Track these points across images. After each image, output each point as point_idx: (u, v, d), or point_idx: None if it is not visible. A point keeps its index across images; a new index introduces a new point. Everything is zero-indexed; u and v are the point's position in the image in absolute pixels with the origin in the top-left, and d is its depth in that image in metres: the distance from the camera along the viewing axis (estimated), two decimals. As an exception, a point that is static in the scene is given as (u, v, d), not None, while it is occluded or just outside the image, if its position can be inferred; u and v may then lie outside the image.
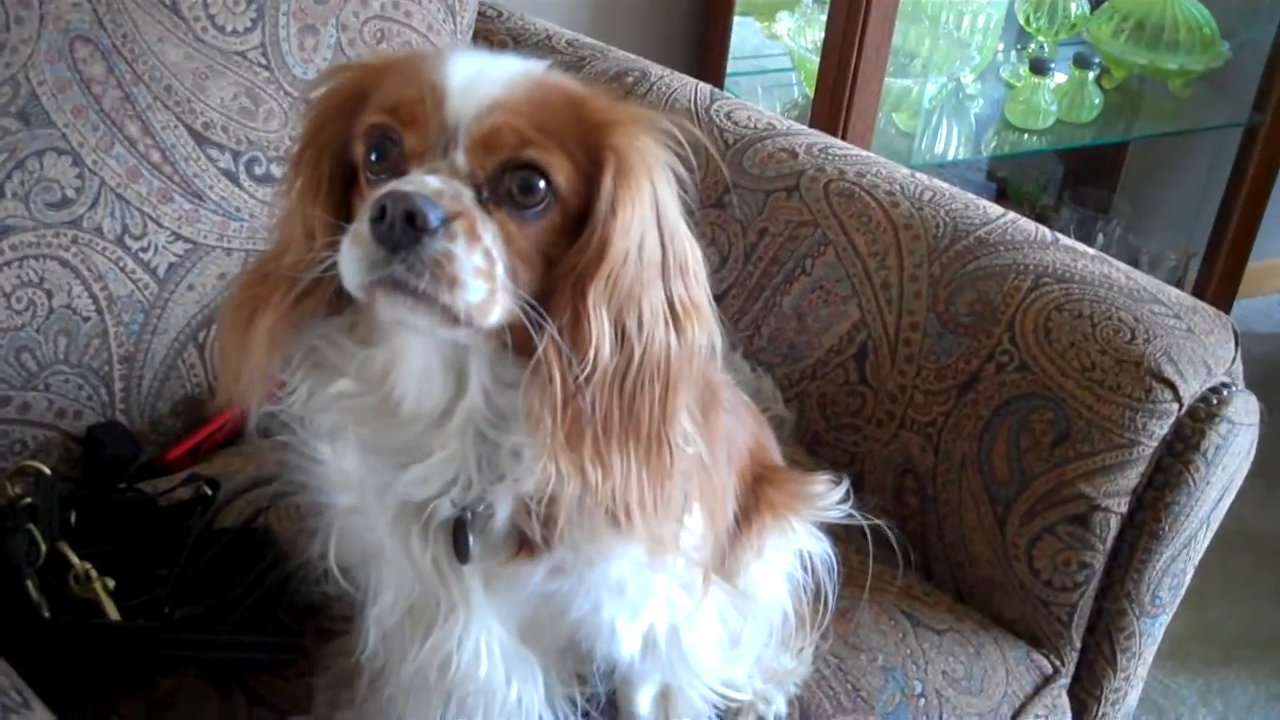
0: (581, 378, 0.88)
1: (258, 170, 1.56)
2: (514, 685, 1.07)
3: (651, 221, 0.91)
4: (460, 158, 0.88)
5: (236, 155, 1.55)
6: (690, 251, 0.94)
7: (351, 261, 0.86)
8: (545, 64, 0.96)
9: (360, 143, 0.92)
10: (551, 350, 0.88)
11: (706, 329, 0.94)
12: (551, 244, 0.90)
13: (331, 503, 1.07)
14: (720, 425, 1.11)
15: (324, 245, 0.90)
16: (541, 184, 0.88)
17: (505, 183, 0.88)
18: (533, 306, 0.88)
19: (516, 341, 0.90)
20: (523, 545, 0.99)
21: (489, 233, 0.86)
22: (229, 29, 1.54)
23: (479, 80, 0.89)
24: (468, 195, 0.87)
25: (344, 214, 0.93)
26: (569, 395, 0.88)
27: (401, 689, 1.09)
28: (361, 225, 0.85)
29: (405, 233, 0.83)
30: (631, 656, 1.11)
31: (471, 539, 0.98)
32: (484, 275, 0.85)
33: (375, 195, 0.85)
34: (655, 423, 0.91)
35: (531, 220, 0.89)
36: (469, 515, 0.98)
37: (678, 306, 0.92)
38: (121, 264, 1.47)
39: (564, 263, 0.90)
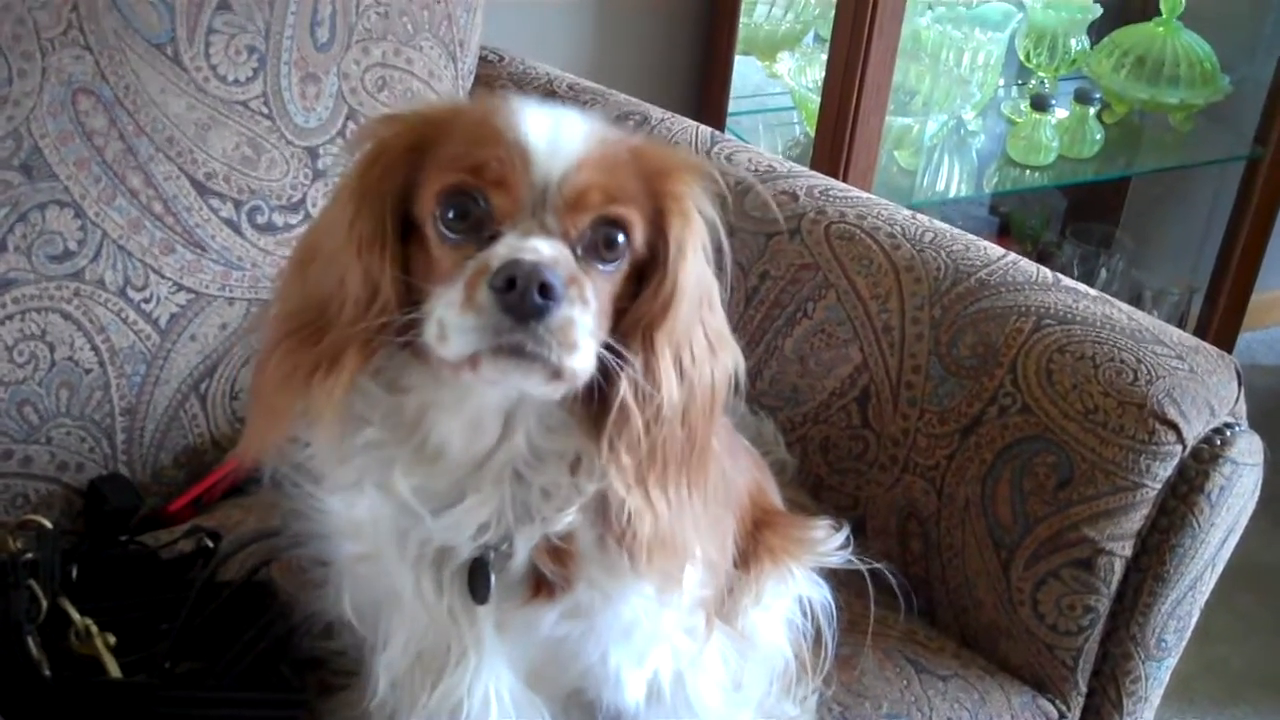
0: (652, 415, 0.91)
1: (260, 219, 1.56)
2: None
3: (704, 263, 0.95)
4: (551, 219, 0.89)
5: (238, 205, 1.55)
6: (713, 284, 0.98)
7: (463, 331, 0.85)
8: (598, 115, 0.98)
9: (433, 200, 0.91)
10: (631, 392, 0.91)
11: (733, 355, 0.99)
12: (623, 293, 0.93)
13: (339, 552, 1.07)
14: (718, 467, 1.11)
15: (397, 304, 0.90)
16: (621, 238, 0.91)
17: (593, 239, 0.90)
18: (615, 353, 0.90)
19: (587, 389, 0.91)
20: (540, 587, 1.00)
21: (591, 292, 0.88)
22: (230, 79, 1.55)
23: (561, 138, 0.91)
24: (568, 256, 0.88)
25: (402, 267, 0.92)
26: (645, 433, 0.92)
27: None
28: (480, 293, 0.84)
29: (535, 303, 0.84)
30: (637, 704, 1.11)
31: (492, 579, 0.99)
32: (592, 334, 0.88)
33: (498, 264, 0.85)
34: (703, 451, 0.96)
35: (610, 274, 0.91)
36: (490, 555, 0.98)
37: (712, 336, 0.96)
38: (123, 315, 1.47)
39: (634, 309, 0.93)
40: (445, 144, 0.93)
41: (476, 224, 0.89)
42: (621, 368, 0.90)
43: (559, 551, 0.97)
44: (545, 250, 0.86)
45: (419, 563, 0.99)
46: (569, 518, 0.94)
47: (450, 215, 0.90)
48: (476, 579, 0.99)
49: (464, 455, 0.95)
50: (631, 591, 1.01)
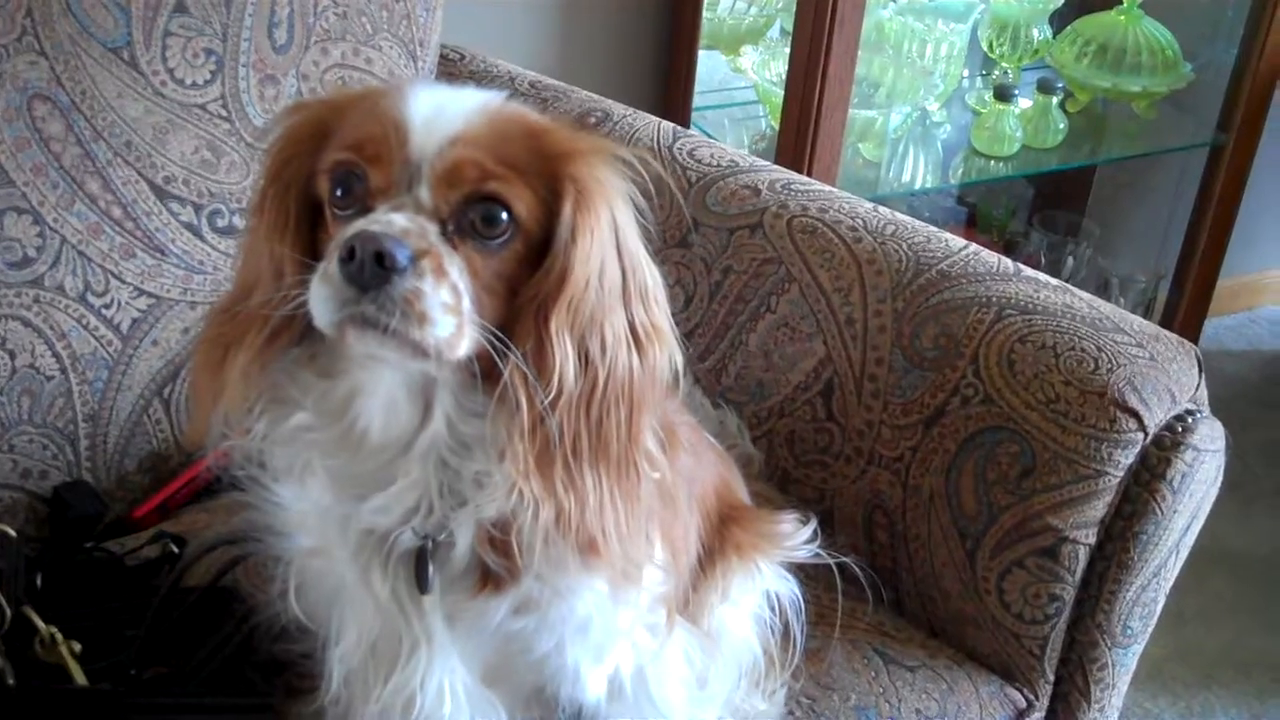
0: (547, 403, 0.90)
1: (220, 223, 1.56)
2: None
3: (611, 248, 0.93)
4: (424, 193, 0.89)
5: (198, 208, 1.54)
6: (650, 276, 0.96)
7: (321, 300, 0.87)
8: (503, 95, 0.98)
9: (325, 180, 0.93)
10: (517, 377, 0.90)
11: (668, 350, 0.96)
12: (514, 274, 0.92)
13: (293, 547, 1.07)
14: (680, 465, 1.11)
15: (294, 283, 0.91)
16: (504, 216, 0.90)
17: (468, 216, 0.90)
18: (497, 337, 0.89)
19: (483, 370, 0.91)
20: (487, 580, 1.00)
21: (455, 267, 0.88)
22: (188, 82, 1.54)
23: (440, 115, 0.91)
24: (433, 231, 0.88)
25: (311, 251, 0.94)
26: (536, 421, 0.90)
27: None
28: (331, 265, 0.86)
29: (375, 273, 0.85)
30: (598, 700, 1.11)
31: (431, 568, 0.99)
32: (451, 310, 0.87)
33: (343, 235, 0.87)
34: (623, 445, 0.94)
35: (494, 251, 0.91)
36: (430, 544, 0.98)
37: (639, 330, 0.94)
38: (84, 322, 1.47)
39: (526, 291, 0.92)
40: (342, 126, 0.94)
41: (359, 200, 0.91)
42: (506, 350, 0.90)
43: (500, 543, 0.96)
44: (397, 222, 0.87)
45: (361, 551, 1.00)
46: (496, 504, 0.93)
47: (338, 193, 0.92)
48: (419, 568, 0.99)
49: (386, 437, 0.96)
50: (582, 587, 1.01)
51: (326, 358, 0.96)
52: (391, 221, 0.87)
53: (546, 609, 1.02)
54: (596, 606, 1.03)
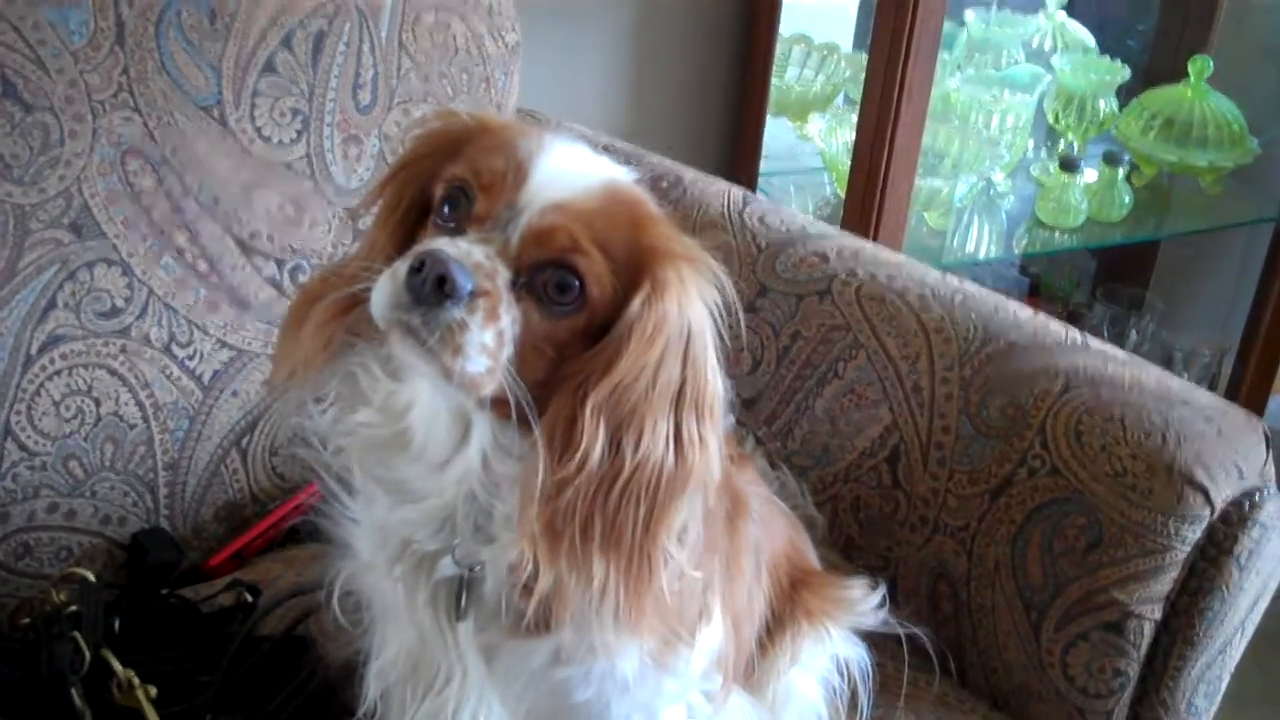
0: (565, 476, 0.90)
1: (301, 278, 1.59)
2: None
3: (676, 352, 0.93)
4: (514, 239, 0.92)
5: (280, 264, 1.58)
6: (713, 391, 0.95)
7: (381, 295, 0.90)
8: (633, 175, 1.00)
9: (440, 189, 0.97)
10: (541, 443, 0.91)
11: (706, 463, 0.95)
12: (567, 343, 0.94)
13: (352, 560, 1.10)
14: (747, 535, 1.13)
15: (377, 269, 0.93)
16: (576, 286, 0.92)
17: (543, 276, 0.92)
18: (525, 399, 0.91)
19: (519, 416, 0.92)
20: (526, 622, 1.00)
21: (509, 316, 0.90)
22: (275, 140, 1.58)
23: (561, 175, 0.94)
24: (504, 276, 0.91)
25: (406, 246, 0.98)
26: (551, 491, 0.91)
27: None
28: (400, 268, 0.89)
29: (433, 291, 0.87)
30: None
31: (464, 598, 1.01)
32: (488, 353, 0.89)
33: (423, 246, 0.90)
34: (638, 538, 0.93)
35: (555, 317, 0.92)
36: (468, 575, 1.01)
37: (685, 437, 0.94)
38: (168, 372, 1.50)
39: (573, 364, 0.93)
40: (476, 146, 0.98)
41: (459, 220, 0.94)
42: (530, 411, 0.91)
43: (530, 589, 0.97)
44: (474, 254, 0.90)
45: (404, 567, 1.02)
46: (519, 549, 0.94)
47: (446, 208, 0.96)
48: (459, 596, 1.01)
49: (425, 450, 0.98)
50: (622, 647, 1.01)
51: (399, 361, 0.99)
52: (470, 252, 0.90)
53: (584, 662, 1.03)
54: (639, 668, 1.03)
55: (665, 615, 0.98)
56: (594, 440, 0.91)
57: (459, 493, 0.98)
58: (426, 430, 0.98)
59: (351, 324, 0.99)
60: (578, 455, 0.90)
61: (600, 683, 1.04)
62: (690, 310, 0.94)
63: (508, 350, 0.90)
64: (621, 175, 0.99)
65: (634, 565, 0.93)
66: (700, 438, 0.94)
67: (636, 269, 0.93)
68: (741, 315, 0.97)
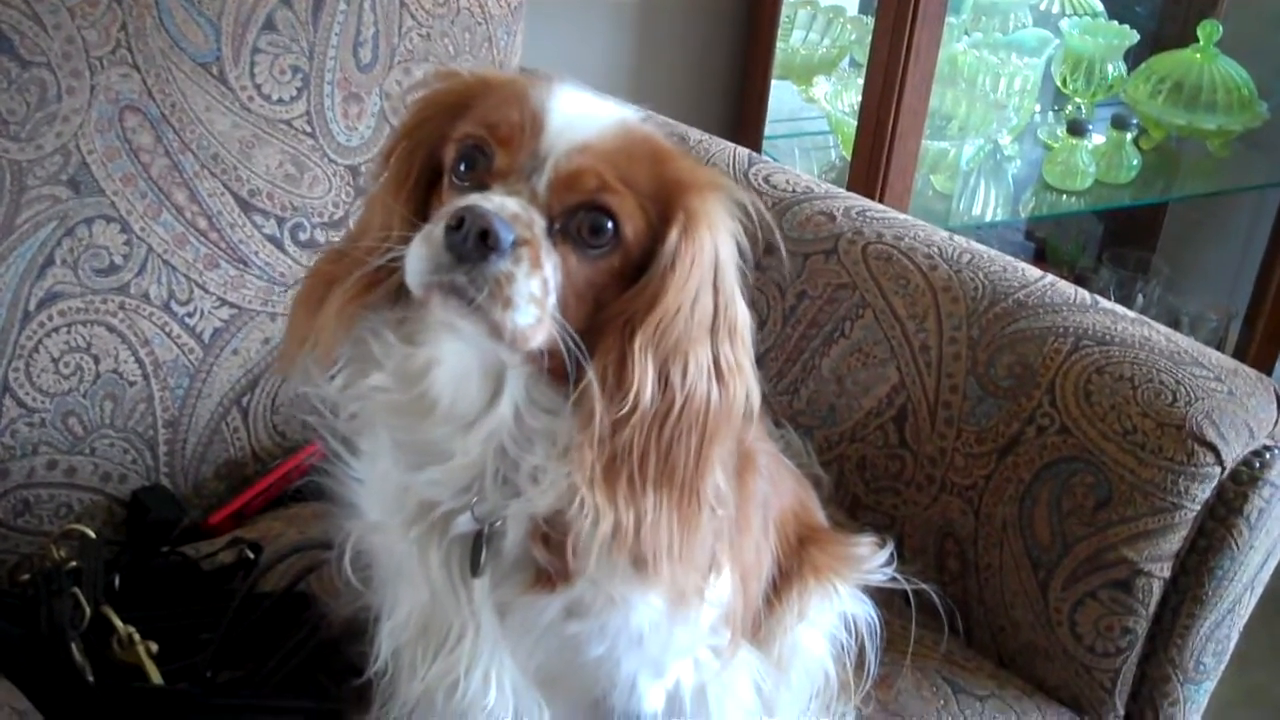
0: (620, 417, 0.91)
1: (302, 236, 1.58)
2: None
3: (709, 282, 0.94)
4: (542, 187, 0.91)
5: (281, 221, 1.57)
6: (741, 317, 0.97)
7: (418, 260, 0.89)
8: (642, 113, 1.00)
9: (453, 149, 0.96)
10: (595, 386, 0.91)
11: (746, 389, 0.97)
12: (605, 285, 0.94)
13: (359, 520, 1.09)
14: (755, 490, 1.12)
15: (398, 238, 0.93)
16: (610, 228, 0.92)
17: (576, 221, 0.92)
18: (576, 343, 0.91)
19: (553, 368, 0.93)
20: (540, 577, 1.01)
21: (550, 263, 0.90)
22: (275, 98, 1.57)
23: (578, 119, 0.93)
24: (540, 224, 0.90)
25: (421, 212, 0.97)
26: (608, 432, 0.91)
27: (409, 708, 1.10)
28: (436, 229, 0.88)
29: (476, 247, 0.87)
30: (654, 714, 1.11)
31: (484, 553, 1.00)
32: (536, 302, 0.89)
33: (457, 204, 0.89)
34: (689, 472, 0.94)
35: (592, 259, 0.93)
36: (487, 530, 1.00)
37: (723, 364, 0.95)
38: (167, 329, 1.49)
39: (614, 306, 0.93)
40: (483, 103, 0.97)
41: (479, 177, 0.94)
42: (583, 356, 0.91)
43: (553, 541, 0.97)
44: (509, 206, 0.89)
45: (419, 527, 1.01)
46: (548, 500, 0.95)
47: (461, 166, 0.95)
48: (475, 552, 1.01)
49: (452, 411, 0.97)
50: (637, 598, 1.01)
51: (413, 324, 0.98)
52: (505, 204, 0.89)
53: (600, 615, 1.02)
54: (652, 621, 1.03)
55: (692, 554, 0.98)
56: (645, 378, 0.91)
57: (487, 449, 0.97)
58: (455, 390, 0.97)
59: (373, 301, 0.98)
60: (631, 394, 0.91)
61: (614, 637, 1.04)
62: (719, 238, 0.95)
63: (552, 299, 0.90)
64: (632, 114, 0.99)
65: (684, 500, 0.94)
66: (737, 363, 0.96)
67: (665, 203, 0.94)
68: (770, 231, 0.98)
